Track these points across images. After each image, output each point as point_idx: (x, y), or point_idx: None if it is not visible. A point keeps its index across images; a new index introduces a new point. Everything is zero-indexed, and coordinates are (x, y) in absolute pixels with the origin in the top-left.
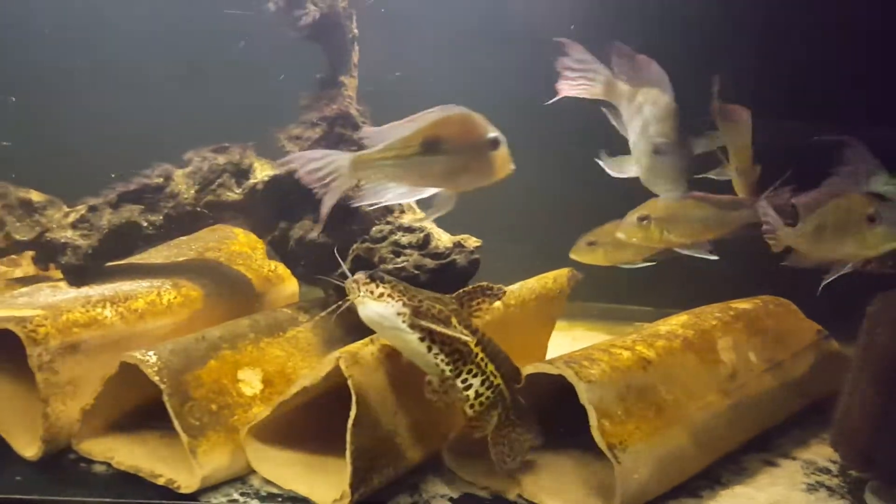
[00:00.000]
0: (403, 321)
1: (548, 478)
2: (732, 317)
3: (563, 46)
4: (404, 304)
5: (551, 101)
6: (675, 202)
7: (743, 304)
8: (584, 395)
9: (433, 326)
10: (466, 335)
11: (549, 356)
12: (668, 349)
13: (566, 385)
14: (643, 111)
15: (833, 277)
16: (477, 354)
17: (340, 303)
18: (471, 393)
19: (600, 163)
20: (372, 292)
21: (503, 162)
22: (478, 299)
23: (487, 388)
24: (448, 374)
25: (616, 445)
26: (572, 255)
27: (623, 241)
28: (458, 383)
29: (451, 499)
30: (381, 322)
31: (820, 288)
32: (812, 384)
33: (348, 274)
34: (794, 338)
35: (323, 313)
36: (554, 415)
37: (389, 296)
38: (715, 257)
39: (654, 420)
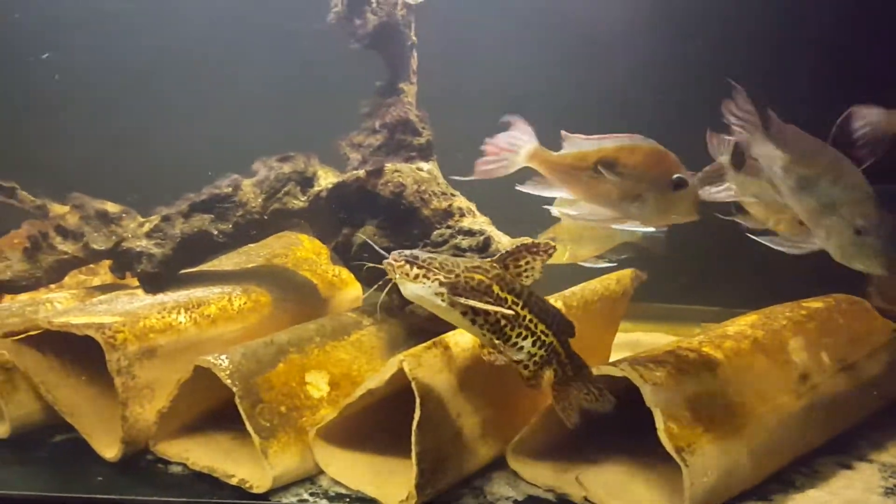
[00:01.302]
0: (442, 300)
1: (614, 481)
2: (804, 316)
3: (733, 89)
4: (441, 283)
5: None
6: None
7: (815, 303)
8: (650, 397)
9: (472, 304)
10: (507, 306)
11: (612, 358)
12: (736, 350)
13: (631, 387)
14: (821, 184)
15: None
16: (525, 317)
17: (381, 282)
18: (523, 355)
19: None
20: (408, 274)
21: (684, 206)
22: (524, 259)
23: (539, 348)
24: (496, 341)
25: (684, 448)
26: None
27: (583, 237)
28: (510, 347)
29: (515, 501)
30: (422, 300)
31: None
32: (888, 384)
33: (384, 254)
34: (868, 337)
35: (370, 291)
36: (619, 418)
37: (425, 276)
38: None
39: (723, 423)
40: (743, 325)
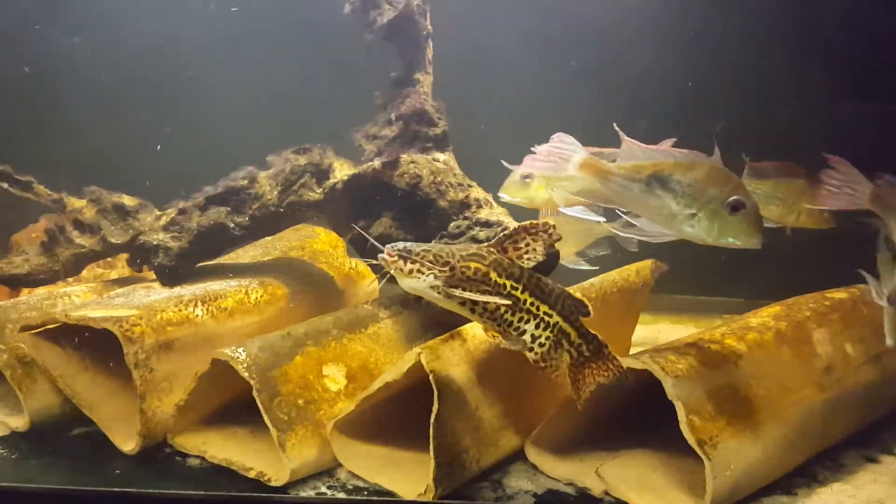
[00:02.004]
0: (438, 293)
1: (635, 475)
2: (828, 307)
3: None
4: (435, 277)
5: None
6: None
7: (839, 294)
8: (672, 390)
9: (467, 295)
10: (506, 292)
11: (632, 351)
12: (759, 342)
13: (652, 380)
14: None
15: None
16: (525, 301)
17: (379, 276)
18: (526, 338)
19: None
20: (402, 270)
21: (743, 230)
22: (523, 241)
23: (544, 330)
24: (497, 327)
25: (706, 442)
26: None
27: (564, 234)
28: (512, 332)
29: (534, 494)
30: (419, 293)
31: None
32: None
33: (379, 247)
34: None
35: (382, 281)
36: (640, 411)
37: (419, 271)
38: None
39: (747, 416)
40: (766, 316)
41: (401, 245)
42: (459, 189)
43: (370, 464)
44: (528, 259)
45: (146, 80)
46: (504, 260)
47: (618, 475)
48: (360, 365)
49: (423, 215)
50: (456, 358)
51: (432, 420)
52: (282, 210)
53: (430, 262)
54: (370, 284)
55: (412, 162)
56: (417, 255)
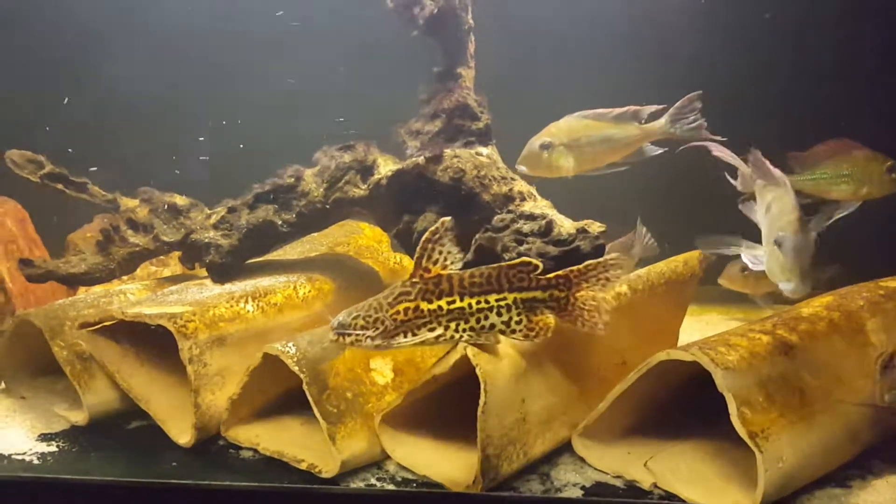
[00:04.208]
0: (381, 347)
1: (685, 467)
2: (882, 296)
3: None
4: (373, 339)
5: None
6: (575, 122)
7: (893, 283)
8: (722, 382)
9: (406, 342)
10: (443, 312)
11: (681, 342)
12: (811, 333)
13: (702, 372)
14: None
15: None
16: (471, 304)
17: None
18: (500, 327)
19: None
20: (346, 344)
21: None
22: (435, 251)
23: (508, 312)
24: (466, 337)
25: (758, 434)
26: None
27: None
28: (480, 333)
29: (582, 487)
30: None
31: None
32: None
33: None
34: None
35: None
36: (688, 403)
37: (358, 340)
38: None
39: (799, 407)
40: (818, 306)
41: (338, 321)
42: (503, 183)
43: (418, 455)
44: (451, 263)
45: (192, 80)
46: (429, 283)
47: (667, 467)
48: (406, 358)
49: (466, 209)
50: (502, 351)
51: (479, 412)
52: (328, 207)
53: (362, 327)
54: None
55: (455, 156)
56: (350, 325)
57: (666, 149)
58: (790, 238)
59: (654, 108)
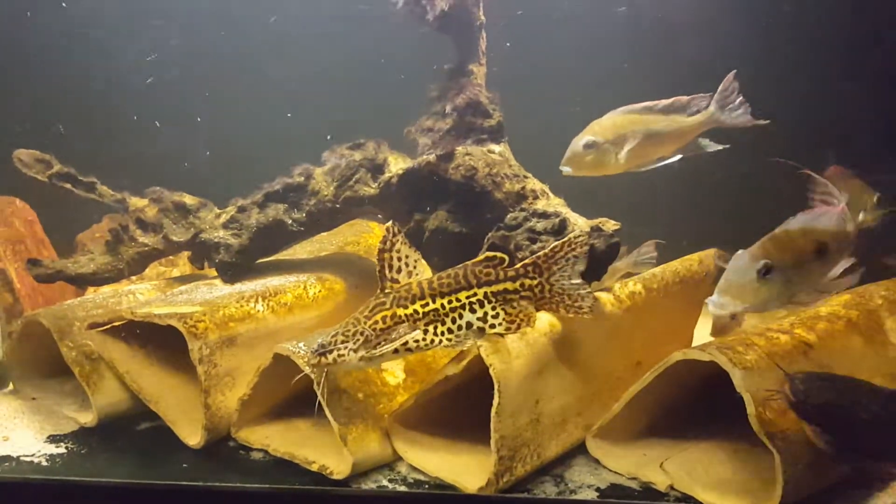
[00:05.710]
0: (369, 360)
1: (701, 469)
2: None
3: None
4: (355, 351)
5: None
6: (619, 117)
7: None
8: (741, 382)
9: (389, 347)
10: (419, 316)
11: (695, 342)
12: (830, 332)
13: (719, 372)
14: None
15: None
16: (444, 305)
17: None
18: (476, 325)
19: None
20: (329, 363)
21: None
22: (394, 256)
23: (481, 307)
24: (446, 344)
25: (776, 435)
26: None
27: None
28: (459, 335)
29: (597, 489)
30: (356, 370)
31: None
32: None
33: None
34: None
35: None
36: (704, 403)
37: (341, 355)
38: None
39: None
40: (836, 305)
41: (318, 343)
42: (515, 180)
43: (430, 457)
44: (415, 265)
45: (201, 78)
46: (401, 291)
47: (683, 469)
48: (418, 359)
49: (478, 208)
50: (515, 351)
51: (493, 413)
52: (338, 206)
53: (343, 342)
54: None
55: (467, 154)
56: (331, 343)
57: (728, 145)
58: (738, 256)
59: (702, 96)
